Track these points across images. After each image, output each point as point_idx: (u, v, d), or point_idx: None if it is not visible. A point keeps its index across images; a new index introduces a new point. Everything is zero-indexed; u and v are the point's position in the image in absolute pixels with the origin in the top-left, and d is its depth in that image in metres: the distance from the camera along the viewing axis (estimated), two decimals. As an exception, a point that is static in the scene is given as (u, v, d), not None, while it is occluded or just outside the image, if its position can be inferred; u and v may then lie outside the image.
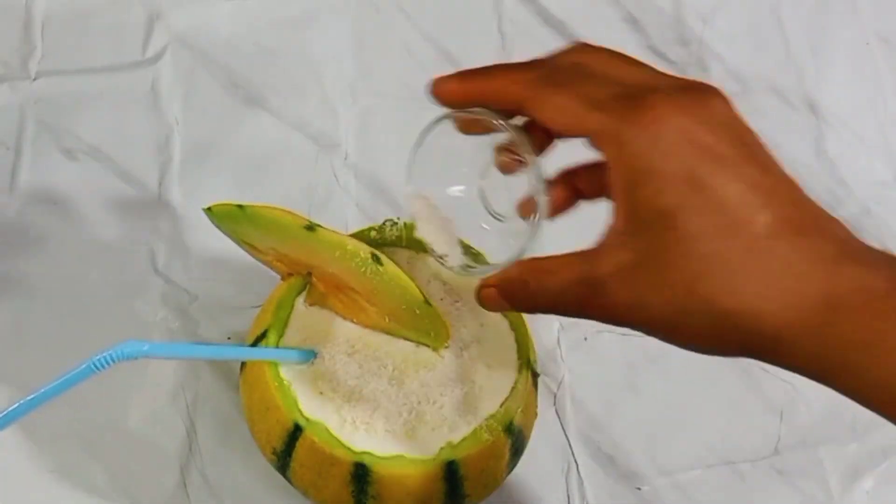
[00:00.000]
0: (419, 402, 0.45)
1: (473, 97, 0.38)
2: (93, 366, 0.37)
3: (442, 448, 0.44)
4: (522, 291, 0.38)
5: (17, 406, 0.37)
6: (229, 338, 0.54)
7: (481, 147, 0.41)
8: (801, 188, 0.35)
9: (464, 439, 0.44)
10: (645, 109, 0.33)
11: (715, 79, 0.65)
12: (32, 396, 0.37)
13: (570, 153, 0.39)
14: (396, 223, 0.49)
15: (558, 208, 0.40)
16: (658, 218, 0.33)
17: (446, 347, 0.46)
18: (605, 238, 0.35)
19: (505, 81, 0.37)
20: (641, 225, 0.33)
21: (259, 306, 0.50)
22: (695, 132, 0.33)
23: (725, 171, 0.33)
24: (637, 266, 0.34)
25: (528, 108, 0.36)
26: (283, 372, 0.45)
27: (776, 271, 0.32)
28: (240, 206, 0.44)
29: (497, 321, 0.48)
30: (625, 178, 0.33)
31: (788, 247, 0.32)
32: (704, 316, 0.33)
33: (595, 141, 0.34)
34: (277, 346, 0.46)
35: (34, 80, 0.61)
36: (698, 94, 0.35)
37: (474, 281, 0.49)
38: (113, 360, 0.38)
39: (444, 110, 0.40)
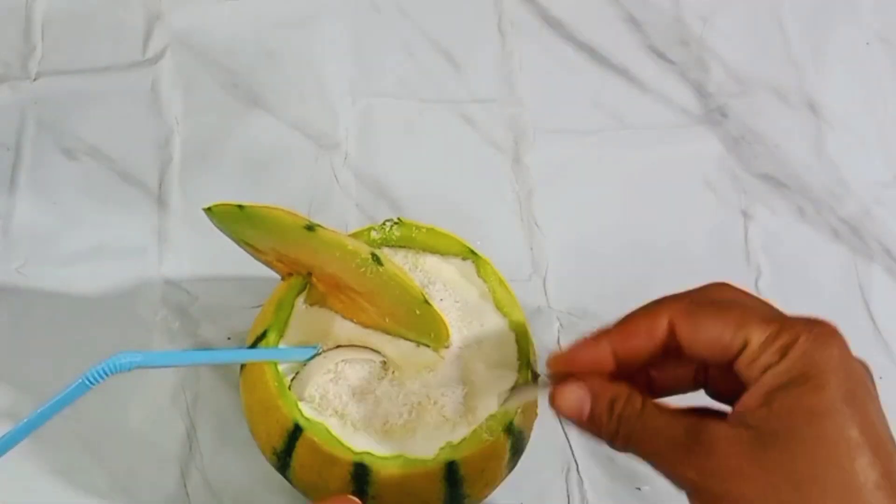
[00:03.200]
0: (419, 402, 0.45)
1: (617, 348, 0.37)
2: (87, 381, 0.37)
3: (442, 448, 0.44)
4: (618, 409, 0.37)
5: (13, 432, 0.37)
6: (229, 338, 0.54)
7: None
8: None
9: (464, 439, 0.44)
10: (820, 324, 0.34)
11: (715, 79, 0.65)
12: (27, 420, 0.37)
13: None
14: (396, 223, 0.49)
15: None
16: (805, 412, 0.33)
17: (446, 347, 0.46)
18: (729, 414, 0.35)
19: (650, 317, 0.37)
20: (780, 414, 0.33)
21: (259, 306, 0.50)
22: (851, 360, 0.34)
23: (872, 412, 0.33)
24: (755, 441, 0.33)
25: (683, 329, 0.36)
26: (283, 371, 0.45)
27: None
28: (240, 206, 0.44)
29: (497, 321, 0.48)
30: (786, 372, 0.34)
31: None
32: None
33: (754, 351, 0.34)
34: (277, 347, 0.46)
35: (34, 80, 0.61)
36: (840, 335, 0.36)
37: (474, 282, 0.49)
38: (106, 374, 0.37)
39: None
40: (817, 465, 0.32)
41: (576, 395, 0.38)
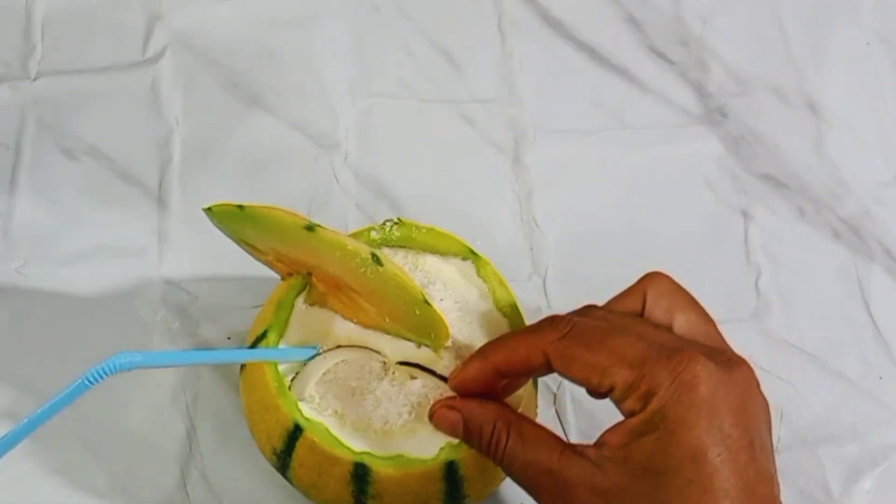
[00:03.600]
0: (419, 402, 0.45)
1: (501, 369, 0.41)
2: (86, 381, 0.37)
3: (442, 448, 0.44)
4: (485, 438, 0.40)
5: (13, 432, 0.37)
6: (229, 338, 0.54)
7: None
8: (776, 486, 0.37)
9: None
10: (683, 364, 0.35)
11: (715, 79, 0.65)
12: (27, 420, 0.37)
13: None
14: (396, 223, 0.49)
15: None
16: (652, 473, 0.35)
17: (446, 347, 0.46)
18: (592, 449, 0.37)
19: (528, 347, 0.39)
20: (632, 466, 0.35)
21: (259, 306, 0.50)
22: (718, 407, 0.35)
23: (726, 463, 0.34)
24: (606, 495, 0.35)
25: (557, 365, 0.38)
26: (283, 372, 0.45)
27: None
28: (240, 206, 0.44)
29: (498, 321, 0.48)
30: (644, 423, 0.35)
31: None
32: None
33: (620, 394, 0.36)
34: (277, 347, 0.46)
35: (34, 80, 0.61)
36: (729, 366, 0.36)
37: (474, 282, 0.49)
38: (105, 374, 0.37)
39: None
40: None
41: (449, 418, 0.42)
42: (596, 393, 0.38)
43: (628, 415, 0.36)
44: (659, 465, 0.34)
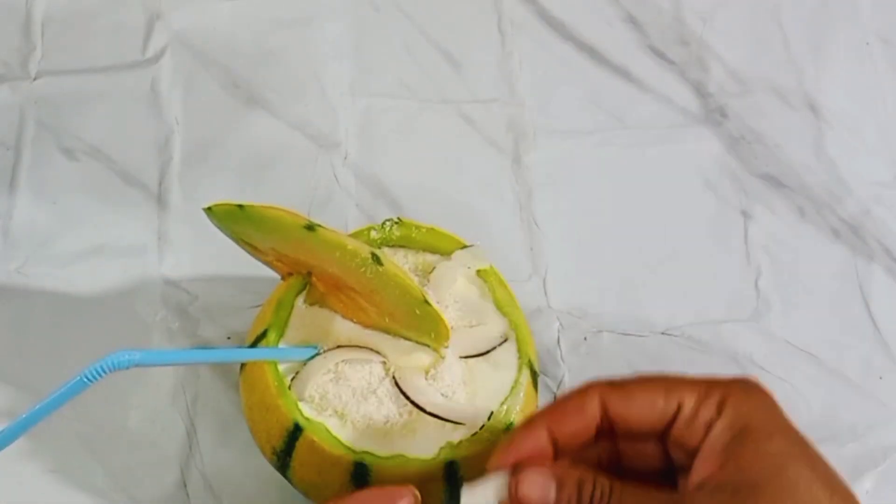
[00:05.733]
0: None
1: (554, 432, 0.37)
2: (85, 378, 0.37)
3: (442, 448, 0.44)
4: (587, 493, 0.36)
5: (11, 428, 0.37)
6: (229, 338, 0.54)
7: None
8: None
9: (464, 439, 0.44)
10: (745, 382, 0.36)
11: (715, 79, 0.65)
12: (25, 416, 0.37)
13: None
14: (397, 223, 0.49)
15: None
16: (770, 460, 0.34)
17: (446, 347, 0.46)
18: (694, 488, 0.35)
19: (580, 397, 0.37)
20: (747, 467, 0.34)
21: (259, 306, 0.50)
22: (779, 408, 0.36)
23: (813, 454, 0.35)
24: (733, 499, 0.33)
25: (615, 405, 0.36)
26: (283, 372, 0.45)
27: None
28: (240, 206, 0.44)
29: (497, 320, 0.48)
30: (731, 432, 0.34)
31: None
32: None
33: (690, 409, 0.35)
34: (277, 346, 0.46)
35: (34, 80, 0.61)
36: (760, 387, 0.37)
37: (474, 282, 0.49)
38: (104, 372, 0.37)
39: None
40: None
41: (540, 480, 0.36)
42: (654, 427, 0.36)
43: (704, 430, 0.35)
44: (773, 454, 0.34)
